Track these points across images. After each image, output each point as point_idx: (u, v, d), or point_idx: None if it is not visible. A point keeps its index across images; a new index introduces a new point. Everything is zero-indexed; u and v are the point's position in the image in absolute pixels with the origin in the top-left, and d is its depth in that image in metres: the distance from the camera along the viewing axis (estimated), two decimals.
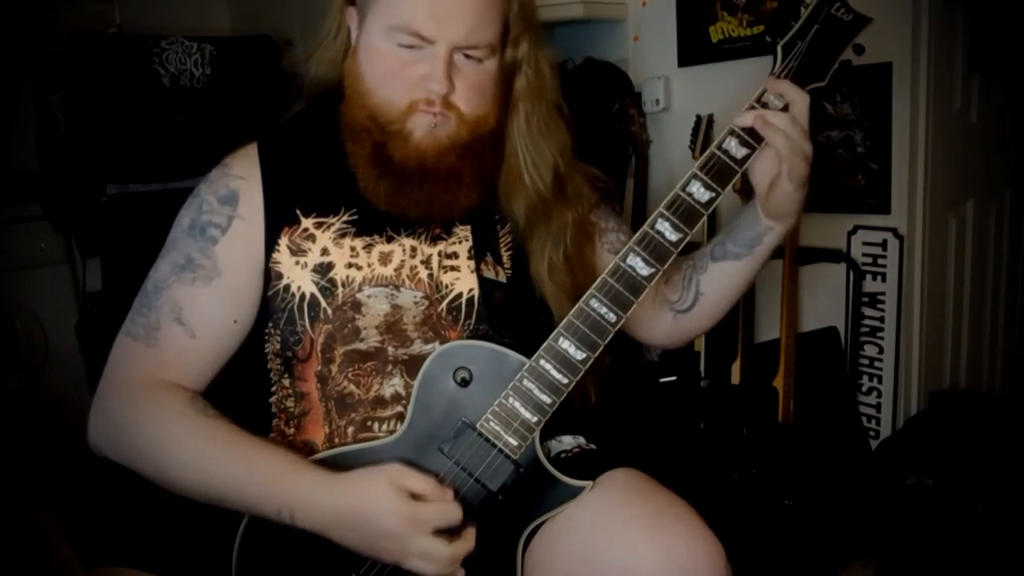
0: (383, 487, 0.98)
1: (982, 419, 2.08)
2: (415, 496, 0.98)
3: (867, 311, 2.11)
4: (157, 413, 1.05)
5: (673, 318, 1.25)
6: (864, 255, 2.09)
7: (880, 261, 2.07)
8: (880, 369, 2.11)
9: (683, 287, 1.22)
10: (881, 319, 2.09)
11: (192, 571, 1.11)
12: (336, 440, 1.11)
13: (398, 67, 1.06)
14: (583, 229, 1.20)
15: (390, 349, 1.11)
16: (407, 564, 0.99)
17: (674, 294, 1.23)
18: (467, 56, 1.06)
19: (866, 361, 2.13)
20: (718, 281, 1.21)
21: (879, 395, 2.11)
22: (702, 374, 2.01)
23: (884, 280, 2.07)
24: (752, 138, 1.06)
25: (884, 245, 2.05)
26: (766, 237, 1.15)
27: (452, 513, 0.99)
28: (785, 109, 1.06)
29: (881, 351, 2.10)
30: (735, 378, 1.97)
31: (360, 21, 1.10)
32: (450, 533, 0.99)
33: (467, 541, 1.00)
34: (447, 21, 1.03)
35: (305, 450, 1.09)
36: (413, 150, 1.07)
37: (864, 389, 2.14)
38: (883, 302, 2.08)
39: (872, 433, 2.12)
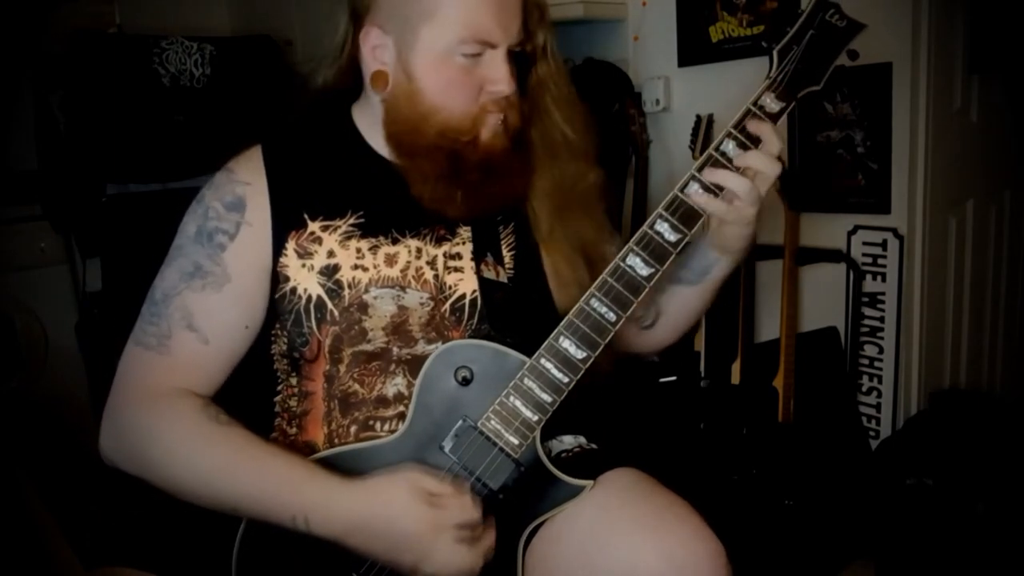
0: (402, 492, 0.99)
1: (982, 419, 2.08)
2: (432, 499, 0.99)
3: (867, 311, 2.11)
4: (169, 422, 1.05)
5: (638, 332, 1.28)
6: (864, 255, 2.09)
7: (880, 261, 2.07)
8: (880, 369, 2.11)
9: (647, 304, 1.24)
10: (881, 319, 2.09)
11: (192, 571, 1.11)
12: (337, 440, 1.11)
13: (462, 76, 1.08)
14: (603, 188, 1.24)
15: (395, 349, 1.11)
16: (426, 567, 0.99)
17: (639, 310, 1.24)
18: (513, 51, 1.10)
19: (866, 361, 2.13)
20: (675, 304, 1.25)
21: (879, 395, 2.12)
22: (702, 374, 2.01)
23: (884, 280, 2.07)
24: (750, 140, 1.06)
25: (884, 245, 2.05)
26: (714, 268, 1.19)
27: (471, 514, 1.00)
28: (779, 115, 1.07)
29: (881, 351, 2.10)
30: (735, 378, 1.97)
31: (400, 41, 1.09)
32: (469, 536, 1.00)
33: (487, 543, 1.01)
34: (506, 25, 1.08)
35: (306, 449, 1.10)
36: (484, 151, 1.10)
37: (864, 389, 2.14)
38: (883, 302, 2.09)
39: (872, 433, 2.12)
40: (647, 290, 1.06)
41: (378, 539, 0.99)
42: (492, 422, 1.04)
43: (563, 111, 1.19)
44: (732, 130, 1.07)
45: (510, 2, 1.09)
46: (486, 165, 1.10)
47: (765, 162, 1.07)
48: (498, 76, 1.08)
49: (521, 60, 1.15)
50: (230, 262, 1.10)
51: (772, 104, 1.07)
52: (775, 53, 1.08)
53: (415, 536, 0.98)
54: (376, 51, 1.11)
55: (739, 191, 1.06)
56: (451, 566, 0.99)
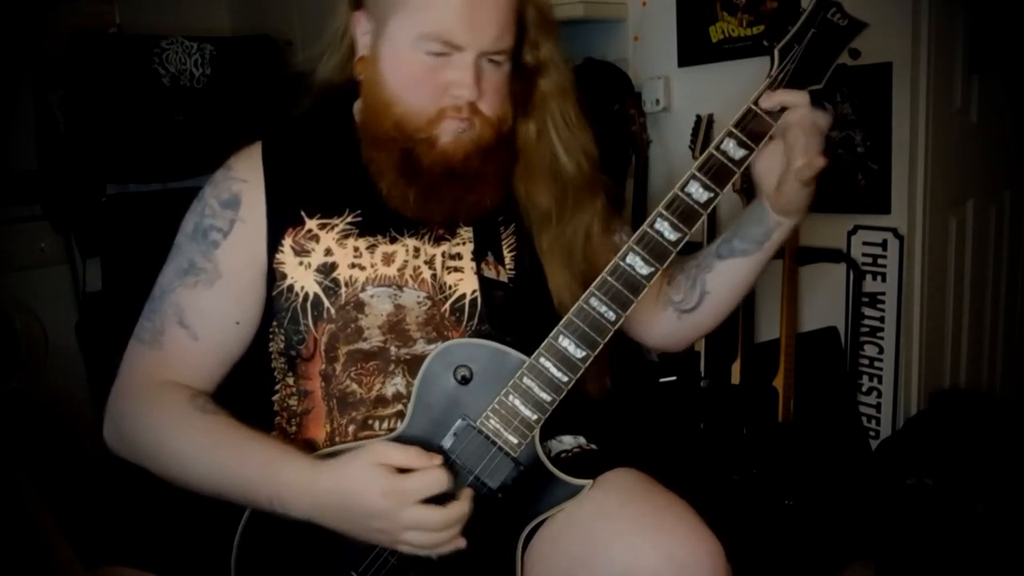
0: (364, 466, 0.97)
1: (982, 419, 2.08)
2: (400, 469, 0.97)
3: (867, 311, 2.11)
4: (157, 411, 1.07)
5: (677, 319, 1.24)
6: (864, 255, 2.09)
7: (880, 261, 2.07)
8: (880, 369, 2.11)
9: (688, 287, 1.22)
10: (881, 319, 2.09)
11: (192, 570, 1.11)
12: (337, 439, 1.11)
13: (425, 74, 1.05)
14: (607, 214, 1.22)
15: (393, 349, 1.11)
16: (402, 541, 0.97)
17: (678, 294, 1.23)
18: (490, 60, 1.07)
19: (866, 361, 2.13)
20: (724, 279, 1.20)
21: (879, 395, 2.11)
22: (702, 374, 2.01)
23: (884, 280, 2.07)
24: (750, 138, 1.06)
25: (884, 245, 2.05)
26: (775, 233, 1.15)
27: (437, 479, 0.97)
28: (780, 115, 1.06)
29: (881, 351, 2.10)
30: (735, 378, 1.97)
31: (377, 28, 1.09)
32: (443, 501, 0.97)
33: (462, 504, 0.98)
34: (477, 29, 1.04)
35: (306, 449, 1.09)
36: (440, 155, 1.07)
37: (864, 389, 2.14)
38: (883, 302, 2.08)
39: (872, 433, 2.12)
40: (646, 289, 1.06)
41: (346, 517, 0.98)
42: (491, 421, 1.04)
43: (563, 135, 1.17)
44: (733, 129, 1.06)
45: (487, 5, 1.04)
46: (443, 170, 1.08)
47: (794, 95, 1.05)
48: (461, 80, 1.04)
49: (524, 73, 1.14)
50: (222, 259, 1.10)
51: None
52: (776, 52, 1.08)
53: (378, 510, 0.96)
54: (364, 37, 1.12)
55: (795, 100, 1.04)
56: (422, 534, 0.96)
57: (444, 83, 1.05)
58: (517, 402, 1.04)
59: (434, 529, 0.97)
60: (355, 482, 0.97)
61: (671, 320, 1.25)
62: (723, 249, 1.20)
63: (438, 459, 0.99)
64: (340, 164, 1.15)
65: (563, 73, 1.17)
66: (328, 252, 1.11)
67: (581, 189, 1.17)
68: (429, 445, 1.04)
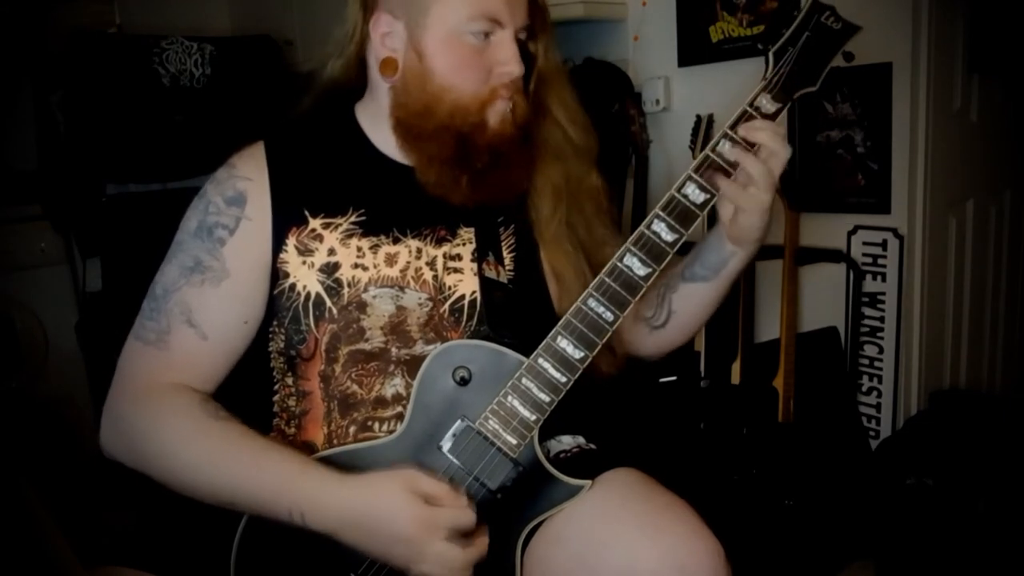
0: (398, 491, 0.98)
1: (982, 419, 2.08)
2: (428, 500, 0.98)
3: (867, 311, 2.11)
4: (167, 416, 1.05)
5: (649, 332, 1.27)
6: (864, 255, 2.09)
7: (880, 261, 2.07)
8: (880, 369, 2.11)
9: (657, 304, 1.24)
10: (881, 319, 2.09)
11: (191, 571, 1.11)
12: (336, 440, 1.11)
13: (473, 57, 1.09)
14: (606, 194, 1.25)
15: (393, 350, 1.11)
16: (419, 568, 0.98)
17: (649, 310, 1.25)
18: (517, 38, 1.12)
19: (866, 361, 2.13)
20: (688, 301, 1.23)
21: (879, 395, 2.12)
22: (702, 374, 2.01)
23: (884, 280, 2.07)
24: (746, 141, 1.06)
25: (884, 245, 2.05)
26: (731, 261, 1.17)
27: (466, 516, 0.99)
28: (775, 116, 1.07)
29: (881, 351, 2.10)
30: (735, 378, 1.97)
31: (410, 24, 1.10)
32: (463, 538, 0.99)
33: (480, 546, 1.00)
34: (513, 7, 1.10)
35: (305, 450, 1.09)
36: (492, 137, 1.11)
37: (864, 389, 2.14)
38: (883, 302, 2.08)
39: (872, 433, 2.12)
40: (644, 290, 1.06)
41: (370, 537, 0.99)
42: (490, 422, 1.04)
43: (565, 112, 1.20)
44: (728, 131, 1.07)
45: None
46: (493, 151, 1.10)
47: (776, 140, 1.06)
48: (507, 57, 1.10)
49: (525, 59, 1.15)
50: (229, 257, 1.10)
51: (768, 105, 1.08)
52: (771, 55, 1.09)
53: (407, 537, 0.97)
54: (386, 38, 1.12)
55: (753, 172, 1.05)
56: (443, 569, 0.98)
57: (489, 64, 1.10)
58: (516, 403, 1.04)
59: (454, 566, 0.98)
60: (389, 506, 0.98)
61: (643, 333, 1.27)
62: (687, 272, 1.21)
63: (464, 496, 1.01)
64: (343, 164, 1.15)
65: (557, 56, 1.22)
66: (331, 252, 1.11)
67: (585, 163, 1.21)
68: (428, 446, 1.05)
